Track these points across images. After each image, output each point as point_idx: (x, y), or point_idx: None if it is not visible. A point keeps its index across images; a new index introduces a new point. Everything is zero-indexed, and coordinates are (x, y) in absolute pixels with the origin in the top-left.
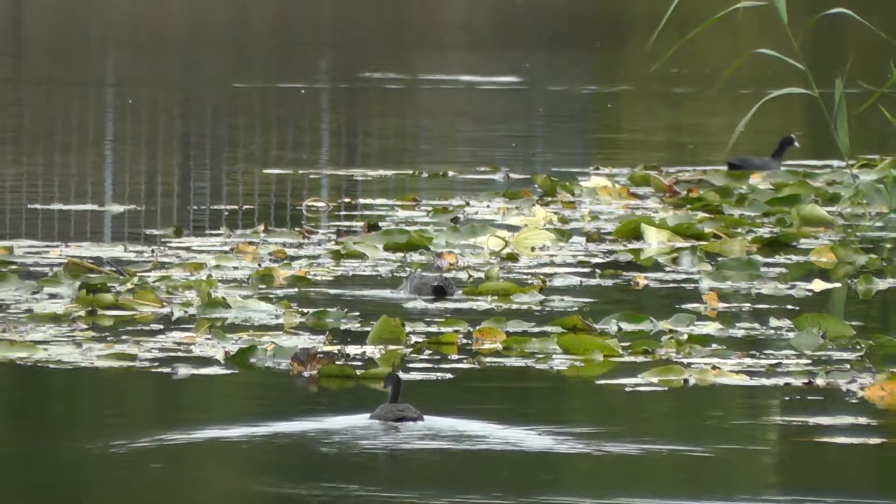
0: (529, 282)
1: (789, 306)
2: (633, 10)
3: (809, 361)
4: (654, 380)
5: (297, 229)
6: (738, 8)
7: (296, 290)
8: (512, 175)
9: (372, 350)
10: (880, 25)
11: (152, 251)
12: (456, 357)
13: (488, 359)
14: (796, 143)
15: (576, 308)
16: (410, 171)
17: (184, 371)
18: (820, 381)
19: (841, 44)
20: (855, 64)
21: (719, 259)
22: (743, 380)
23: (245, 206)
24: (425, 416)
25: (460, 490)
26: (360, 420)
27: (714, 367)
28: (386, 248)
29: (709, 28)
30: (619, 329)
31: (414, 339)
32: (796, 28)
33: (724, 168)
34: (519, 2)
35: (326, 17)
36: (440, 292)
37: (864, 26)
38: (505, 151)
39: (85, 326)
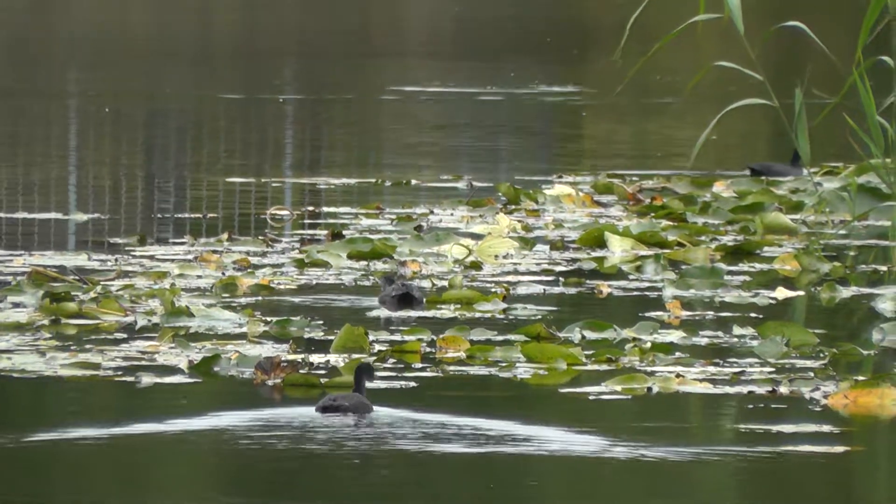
0: (493, 290)
1: (753, 314)
2: (601, 20)
3: (773, 369)
4: (618, 388)
5: (260, 238)
6: (696, 21)
7: (259, 298)
8: (475, 183)
9: (336, 359)
10: (846, 33)
11: (116, 260)
12: (419, 365)
13: (452, 367)
14: None
15: (539, 316)
16: (374, 180)
17: (147, 380)
18: (783, 390)
19: (804, 53)
20: (817, 73)
21: (683, 267)
22: (706, 388)
23: (209, 215)
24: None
25: (423, 499)
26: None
27: (678, 376)
28: (350, 257)
29: (680, 40)
30: (583, 337)
31: (377, 347)
32: (756, 39)
33: (747, 174)
34: (458, 9)
35: (290, 27)
36: (406, 300)
37: (826, 35)
38: (469, 160)
39: (49, 335)
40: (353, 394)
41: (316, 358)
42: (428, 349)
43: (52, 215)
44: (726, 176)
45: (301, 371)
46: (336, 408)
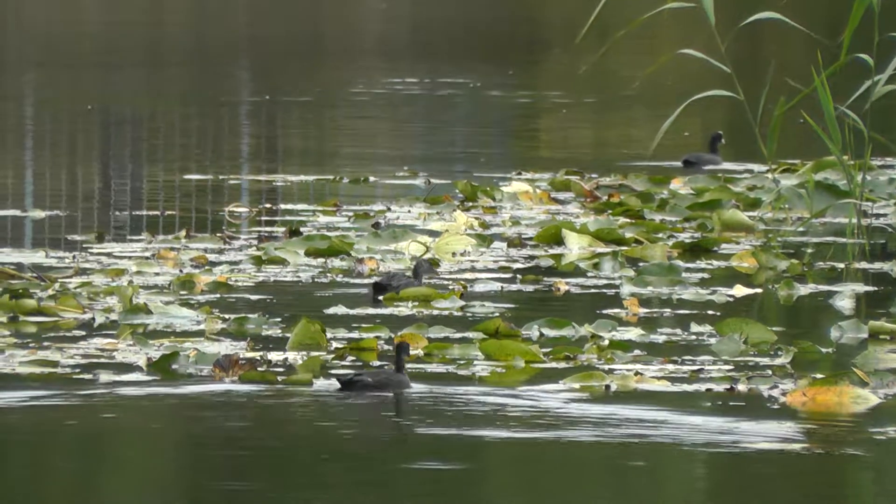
0: (450, 287)
1: (710, 312)
2: (554, 20)
3: (731, 367)
4: (576, 385)
5: (218, 235)
6: (666, 9)
7: (217, 295)
8: (433, 180)
9: (293, 356)
10: (800, 34)
11: (73, 257)
12: (377, 363)
13: (410, 365)
14: (723, 140)
15: (497, 314)
16: (331, 177)
17: (105, 377)
18: (741, 387)
19: (765, 50)
20: (779, 70)
21: (640, 264)
22: (665, 385)
23: (166, 212)
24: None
25: (378, 496)
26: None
27: (636, 373)
28: (307, 254)
29: (644, 41)
30: (541, 335)
31: (335, 344)
32: (723, 34)
33: (679, 165)
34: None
35: (243, 25)
36: (380, 289)
37: (788, 34)
38: (427, 157)
39: (7, 333)
40: (383, 370)
41: (273, 355)
42: (386, 346)
43: (10, 212)
44: (661, 168)
45: (259, 368)
46: (361, 384)
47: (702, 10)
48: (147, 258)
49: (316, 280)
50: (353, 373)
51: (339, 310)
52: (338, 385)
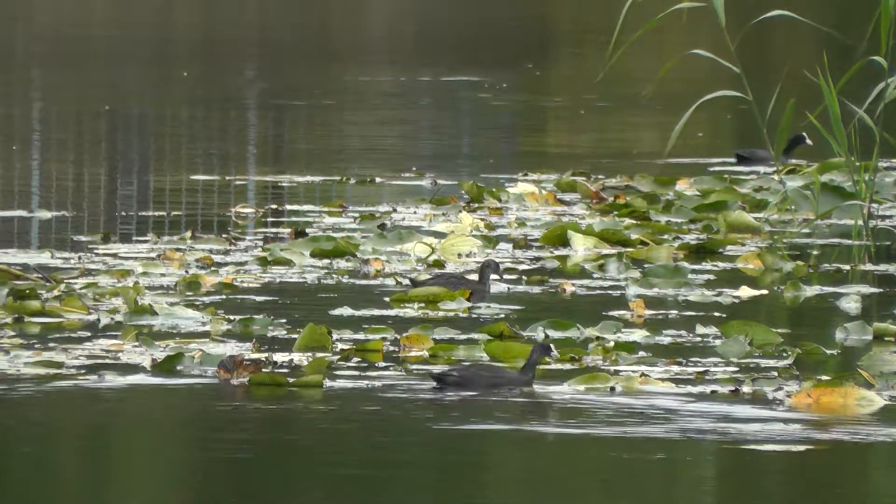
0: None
1: (716, 313)
2: (561, 22)
3: (736, 369)
4: (581, 387)
5: (223, 236)
6: (680, 8)
7: (222, 296)
8: (439, 181)
9: (299, 357)
10: (806, 37)
11: (79, 258)
12: (382, 364)
13: (415, 366)
14: (808, 141)
15: (502, 315)
16: (338, 178)
17: (110, 378)
18: (746, 389)
19: (775, 50)
20: (789, 71)
21: (646, 266)
22: (669, 387)
23: (172, 213)
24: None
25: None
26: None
27: (641, 375)
28: (313, 255)
29: (649, 49)
30: (546, 336)
31: (340, 346)
32: (732, 33)
33: (733, 160)
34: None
35: (251, 26)
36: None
37: (798, 33)
38: (433, 158)
39: (12, 333)
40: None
41: (279, 356)
42: (391, 348)
43: (16, 213)
44: (713, 163)
45: (264, 370)
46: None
47: (711, 10)
48: (153, 259)
49: (322, 281)
50: (444, 370)
51: (345, 311)
52: (433, 380)
